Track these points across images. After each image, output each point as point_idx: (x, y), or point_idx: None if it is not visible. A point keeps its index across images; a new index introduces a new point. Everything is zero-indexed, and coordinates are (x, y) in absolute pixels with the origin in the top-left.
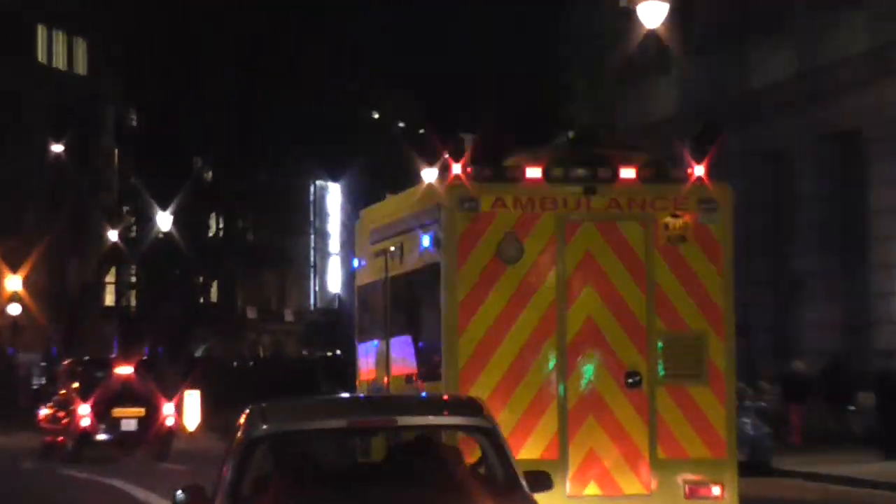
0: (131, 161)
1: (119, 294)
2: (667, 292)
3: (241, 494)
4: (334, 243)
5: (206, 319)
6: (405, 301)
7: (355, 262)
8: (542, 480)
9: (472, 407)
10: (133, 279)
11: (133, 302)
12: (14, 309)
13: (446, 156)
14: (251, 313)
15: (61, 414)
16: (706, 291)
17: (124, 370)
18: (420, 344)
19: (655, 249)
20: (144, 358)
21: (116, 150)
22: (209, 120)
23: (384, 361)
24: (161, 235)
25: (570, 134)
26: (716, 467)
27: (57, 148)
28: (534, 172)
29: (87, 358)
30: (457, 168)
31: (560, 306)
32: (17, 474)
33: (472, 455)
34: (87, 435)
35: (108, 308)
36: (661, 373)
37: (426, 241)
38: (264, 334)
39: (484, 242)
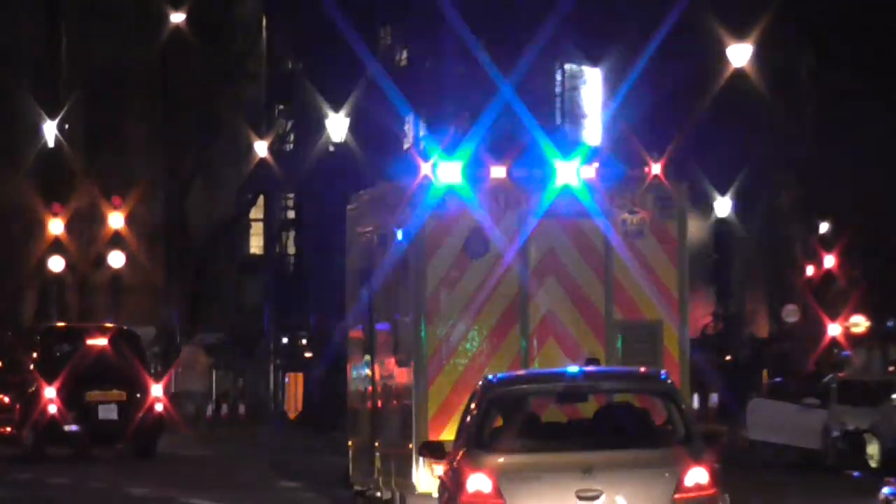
0: (285, 37)
1: (270, 237)
2: (625, 284)
3: (483, 440)
4: None
5: None
6: (385, 290)
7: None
8: (716, 436)
9: (657, 377)
10: (290, 214)
11: (291, 249)
12: (116, 259)
13: (416, 158)
14: None
15: (8, 399)
16: (663, 283)
17: (99, 341)
18: (398, 331)
19: (614, 244)
20: (124, 327)
21: (263, 20)
22: None
23: (370, 346)
24: (332, 148)
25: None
26: None
27: (176, 17)
28: (498, 172)
29: (50, 325)
30: (426, 168)
31: (522, 298)
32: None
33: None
34: (53, 426)
35: (253, 257)
36: (620, 358)
37: (399, 235)
38: None
39: (451, 239)
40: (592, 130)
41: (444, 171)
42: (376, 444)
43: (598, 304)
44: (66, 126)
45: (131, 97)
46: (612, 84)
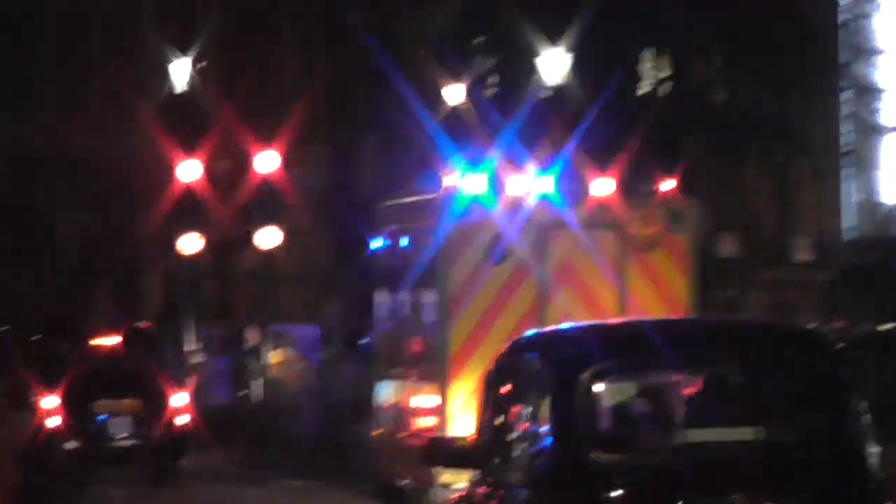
0: None
1: None
2: (637, 295)
3: None
4: (892, 106)
5: None
6: (410, 295)
7: (378, 242)
8: None
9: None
10: None
11: None
12: (266, 238)
13: (441, 170)
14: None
15: None
16: (673, 294)
17: (108, 341)
18: (424, 331)
19: (627, 256)
20: (140, 325)
21: None
22: None
23: (394, 346)
24: (542, 95)
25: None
26: None
27: None
28: (520, 184)
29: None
30: (450, 180)
31: (540, 304)
32: None
33: None
34: (53, 442)
35: None
36: None
37: (425, 241)
38: (751, 288)
39: (473, 246)
40: (887, 68)
41: (469, 182)
42: (398, 435)
43: (611, 313)
44: (201, 64)
45: (283, 27)
46: None
